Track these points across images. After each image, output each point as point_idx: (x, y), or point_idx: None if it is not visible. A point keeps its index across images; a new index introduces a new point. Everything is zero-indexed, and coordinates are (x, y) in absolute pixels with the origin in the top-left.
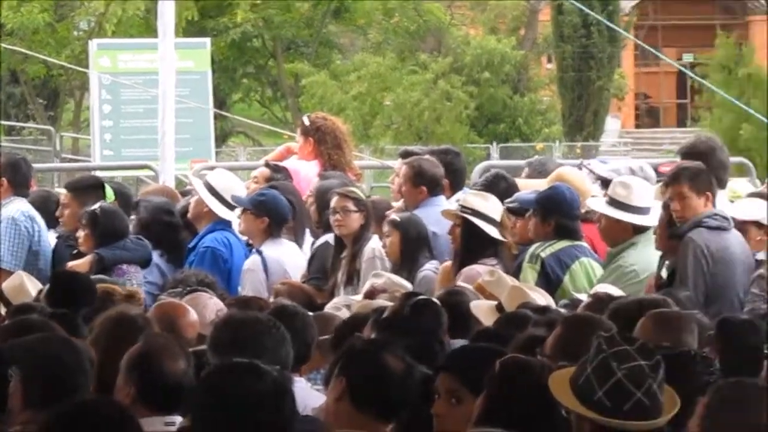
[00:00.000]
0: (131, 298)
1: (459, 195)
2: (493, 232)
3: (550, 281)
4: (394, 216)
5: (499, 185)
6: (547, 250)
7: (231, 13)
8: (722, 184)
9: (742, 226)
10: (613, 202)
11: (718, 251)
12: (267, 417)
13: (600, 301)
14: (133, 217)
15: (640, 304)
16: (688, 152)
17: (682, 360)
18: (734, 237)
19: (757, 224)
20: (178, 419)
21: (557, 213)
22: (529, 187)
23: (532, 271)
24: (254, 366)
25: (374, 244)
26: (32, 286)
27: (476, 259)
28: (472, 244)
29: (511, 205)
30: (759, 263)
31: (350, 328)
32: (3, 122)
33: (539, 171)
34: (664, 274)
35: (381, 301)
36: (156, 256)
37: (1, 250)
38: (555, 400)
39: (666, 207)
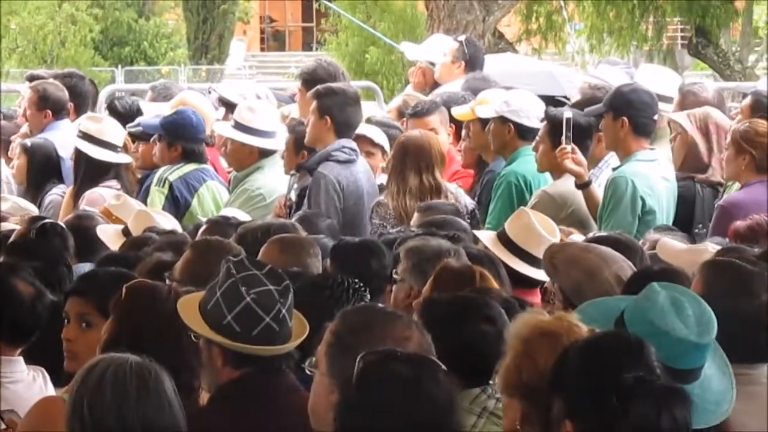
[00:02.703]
0: None
1: (82, 119)
2: (106, 155)
3: (178, 205)
4: (22, 140)
5: (117, 109)
6: (175, 173)
7: None
8: None
9: (371, 148)
10: (239, 126)
11: (348, 185)
12: None
13: (226, 225)
14: None
15: (269, 229)
16: (308, 77)
17: (314, 285)
18: (360, 166)
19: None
20: None
21: (183, 137)
22: (152, 112)
23: (160, 195)
24: None
25: (1, 169)
26: None
27: (95, 182)
28: (85, 167)
29: (134, 129)
30: (381, 189)
31: None
32: None
33: (163, 95)
34: (293, 196)
35: (6, 224)
36: None
37: None
38: (183, 324)
39: (292, 130)
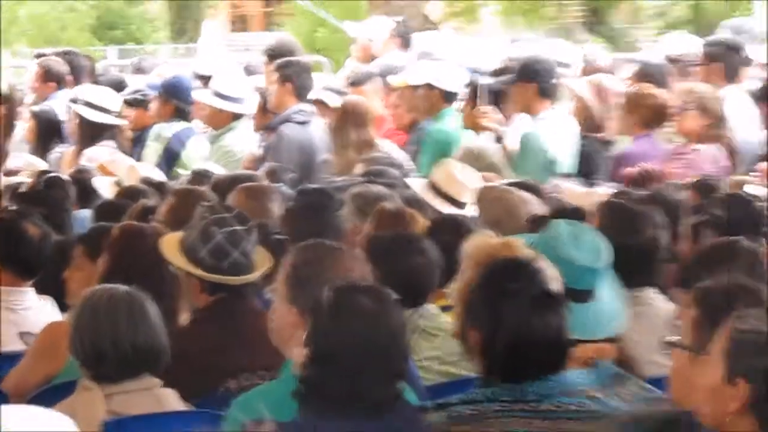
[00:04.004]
0: None
1: (80, 89)
2: (103, 118)
3: (172, 155)
4: (32, 107)
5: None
6: (171, 129)
7: None
8: None
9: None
10: (217, 94)
11: (304, 143)
12: None
13: (202, 176)
14: None
15: (237, 179)
16: (271, 53)
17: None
18: (314, 126)
19: None
20: None
21: (177, 96)
22: (136, 84)
23: (157, 148)
24: None
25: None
26: None
27: (93, 142)
28: (84, 130)
29: (127, 96)
30: None
31: None
32: None
33: (136, 68)
34: (260, 151)
35: (19, 178)
36: None
37: None
38: (166, 259)
39: (263, 96)
